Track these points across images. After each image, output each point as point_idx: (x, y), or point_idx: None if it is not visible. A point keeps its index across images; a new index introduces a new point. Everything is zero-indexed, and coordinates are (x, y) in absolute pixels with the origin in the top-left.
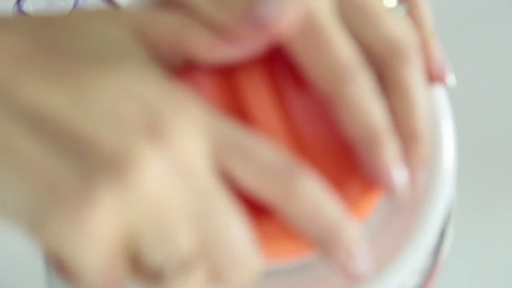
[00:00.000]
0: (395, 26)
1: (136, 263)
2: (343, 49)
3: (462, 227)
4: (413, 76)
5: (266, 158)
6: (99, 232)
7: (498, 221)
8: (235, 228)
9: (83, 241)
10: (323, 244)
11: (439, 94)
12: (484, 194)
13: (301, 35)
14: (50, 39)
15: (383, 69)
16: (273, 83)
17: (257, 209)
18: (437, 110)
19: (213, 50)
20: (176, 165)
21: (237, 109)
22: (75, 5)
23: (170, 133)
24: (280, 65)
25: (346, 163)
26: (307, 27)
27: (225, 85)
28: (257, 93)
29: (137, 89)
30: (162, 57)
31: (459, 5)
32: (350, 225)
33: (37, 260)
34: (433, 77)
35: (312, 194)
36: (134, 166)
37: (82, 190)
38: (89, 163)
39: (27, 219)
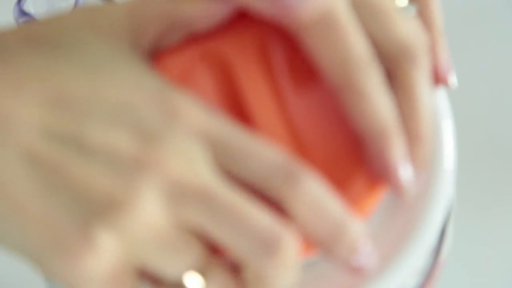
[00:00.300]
0: (406, 27)
1: (158, 280)
2: (358, 42)
3: (462, 227)
4: (421, 77)
5: (267, 159)
6: (104, 271)
7: (498, 220)
8: (257, 216)
9: (89, 281)
10: (327, 242)
11: (440, 94)
12: (484, 194)
13: (317, 24)
14: (39, 63)
15: (392, 69)
16: (273, 83)
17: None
18: (438, 110)
19: (208, 11)
20: (167, 186)
21: (237, 110)
22: (75, 5)
23: (165, 157)
24: (280, 64)
25: (347, 162)
26: (323, 17)
27: (225, 86)
28: (257, 93)
29: (129, 107)
30: (160, 37)
31: (459, 5)
32: (354, 222)
33: None
34: (437, 79)
35: (314, 194)
36: (127, 208)
37: (81, 236)
38: (86, 207)
39: (32, 257)
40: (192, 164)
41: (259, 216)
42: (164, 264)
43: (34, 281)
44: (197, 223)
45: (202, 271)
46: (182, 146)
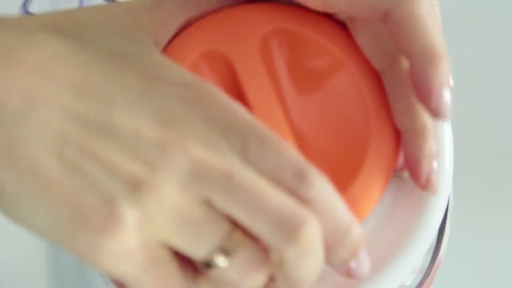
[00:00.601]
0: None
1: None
2: None
3: (460, 226)
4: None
5: (285, 155)
6: (131, 245)
7: (495, 219)
8: (279, 199)
9: (112, 257)
10: (331, 243)
11: None
12: (482, 194)
13: None
14: (66, 50)
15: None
16: (275, 84)
17: None
18: None
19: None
20: (191, 169)
21: None
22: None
23: (187, 139)
24: (282, 65)
25: (346, 164)
26: None
27: (226, 86)
28: (259, 93)
29: (153, 95)
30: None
31: (459, 4)
32: (357, 226)
33: (37, 260)
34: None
35: (325, 194)
36: (151, 187)
37: (108, 213)
38: (112, 186)
39: (56, 237)
40: (213, 147)
41: (282, 199)
42: (190, 243)
43: (34, 282)
44: (220, 203)
45: (230, 249)
46: (205, 131)
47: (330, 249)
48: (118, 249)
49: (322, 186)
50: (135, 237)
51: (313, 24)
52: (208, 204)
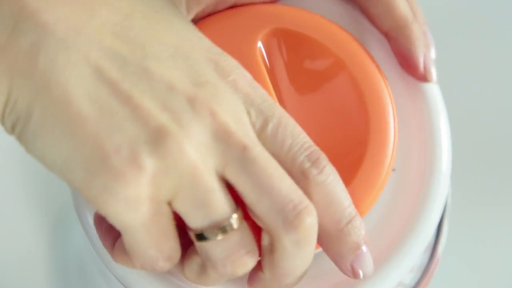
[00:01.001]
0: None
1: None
2: None
3: (458, 225)
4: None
5: (300, 137)
6: (143, 194)
7: (494, 219)
8: (287, 186)
9: (125, 203)
10: (334, 232)
11: (435, 93)
12: (480, 193)
13: None
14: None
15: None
16: (275, 86)
17: None
18: (433, 109)
19: None
20: (215, 131)
21: None
22: None
23: (217, 103)
24: (280, 65)
25: (344, 163)
26: None
27: None
28: None
29: (187, 55)
30: (208, 8)
31: (459, 4)
32: (360, 219)
33: (38, 260)
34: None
35: (334, 180)
36: (175, 138)
37: (129, 158)
38: (138, 131)
39: (73, 176)
40: (237, 117)
41: (291, 185)
42: (193, 209)
43: (34, 282)
44: (233, 173)
45: (226, 228)
46: (232, 101)
47: (334, 239)
48: (129, 196)
49: (332, 172)
50: (148, 187)
51: (312, 25)
52: (219, 177)
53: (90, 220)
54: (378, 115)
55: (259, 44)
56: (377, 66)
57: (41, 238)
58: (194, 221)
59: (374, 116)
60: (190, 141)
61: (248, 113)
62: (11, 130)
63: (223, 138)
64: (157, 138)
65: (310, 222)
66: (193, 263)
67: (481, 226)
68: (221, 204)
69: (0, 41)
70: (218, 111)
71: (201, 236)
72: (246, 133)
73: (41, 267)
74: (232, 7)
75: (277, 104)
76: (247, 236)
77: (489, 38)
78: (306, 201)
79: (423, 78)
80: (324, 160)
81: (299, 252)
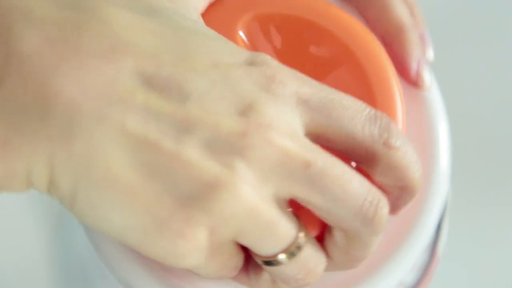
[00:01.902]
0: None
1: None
2: None
3: (458, 224)
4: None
5: (364, 111)
6: (204, 245)
7: (494, 219)
8: (358, 183)
9: (188, 257)
10: (400, 198)
11: (434, 95)
12: (480, 193)
13: None
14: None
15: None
16: None
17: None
18: (433, 108)
19: None
20: (273, 160)
21: None
22: None
23: (262, 131)
24: (271, 55)
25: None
26: None
27: None
28: None
29: (225, 70)
30: None
31: (459, 4)
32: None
33: (38, 262)
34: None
35: (403, 146)
36: (229, 188)
37: (182, 216)
38: (186, 188)
39: (135, 244)
40: (293, 132)
41: (360, 182)
42: (257, 243)
43: (34, 282)
44: (299, 193)
45: (294, 251)
46: (282, 114)
47: (399, 202)
48: (190, 250)
49: (400, 136)
50: (207, 239)
51: (304, 8)
52: (280, 202)
53: None
54: (387, 106)
55: (240, 33)
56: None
57: (42, 239)
58: (261, 251)
59: (382, 108)
60: (245, 183)
61: (304, 113)
62: (60, 203)
63: (283, 164)
64: (210, 193)
65: (386, 212)
66: (261, 280)
67: (481, 226)
68: (286, 230)
69: (32, 132)
70: (271, 137)
71: (269, 263)
72: (305, 147)
73: (41, 269)
74: None
75: (324, 86)
76: (315, 248)
77: (489, 38)
78: (378, 194)
79: (415, 84)
80: (390, 123)
81: (376, 239)
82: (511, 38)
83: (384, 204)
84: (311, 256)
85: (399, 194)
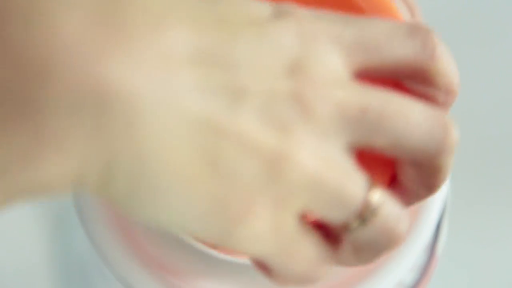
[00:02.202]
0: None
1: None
2: None
3: (458, 225)
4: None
5: (392, 32)
6: (269, 226)
7: (494, 219)
8: (419, 107)
9: (257, 239)
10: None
11: None
12: (480, 192)
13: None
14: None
15: None
16: None
17: None
18: None
19: None
20: (333, 115)
21: None
22: None
23: (319, 88)
24: None
25: None
26: None
27: None
28: None
29: (269, 41)
30: None
31: (459, 4)
32: None
33: (38, 263)
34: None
35: (445, 51)
36: (289, 160)
37: (245, 205)
38: (251, 171)
39: (194, 231)
40: (340, 80)
41: (423, 111)
42: (327, 209)
43: (34, 283)
44: (363, 141)
45: (371, 209)
46: (326, 64)
47: (446, 108)
48: (251, 235)
49: (442, 44)
50: (270, 220)
51: None
52: (345, 159)
53: (91, 221)
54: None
55: None
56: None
57: (42, 239)
58: (335, 219)
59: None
60: (306, 148)
61: (344, 56)
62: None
63: (341, 117)
64: (272, 167)
65: (454, 127)
66: (343, 252)
67: (480, 226)
68: (356, 190)
69: (88, 129)
70: (323, 91)
71: (347, 228)
72: (357, 92)
73: (41, 269)
74: None
75: (350, 19)
76: (391, 203)
77: (489, 38)
78: (440, 113)
79: None
80: (428, 31)
81: (451, 158)
82: (511, 38)
83: (449, 120)
84: (390, 214)
85: (445, 99)
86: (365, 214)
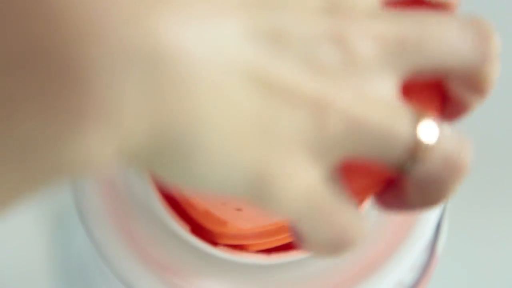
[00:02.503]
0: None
1: None
2: None
3: (458, 224)
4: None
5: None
6: (307, 185)
7: (494, 218)
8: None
9: (297, 197)
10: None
11: None
12: (480, 192)
13: None
14: None
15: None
16: None
17: None
18: None
19: None
20: (376, 52)
21: None
22: None
23: (358, 24)
24: None
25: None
26: None
27: None
28: None
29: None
30: None
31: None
32: None
33: (38, 262)
34: None
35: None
36: (329, 107)
37: (285, 156)
38: (294, 128)
39: (235, 193)
40: (379, 15)
41: (459, 24)
42: (378, 150)
43: (34, 283)
44: (407, 73)
45: (426, 141)
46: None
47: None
48: (291, 193)
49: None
50: (313, 177)
51: None
52: (390, 95)
53: (91, 221)
54: None
55: None
56: None
57: (42, 239)
58: (389, 162)
59: None
60: (348, 93)
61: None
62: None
63: (381, 52)
64: (316, 116)
65: (493, 32)
66: (410, 194)
67: (480, 225)
68: (405, 129)
69: (141, 94)
70: (362, 27)
71: (404, 169)
72: (390, 21)
73: (41, 269)
74: None
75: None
76: (449, 131)
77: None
78: (479, 22)
79: None
80: (485, 23)
81: (496, 63)
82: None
83: (486, 26)
84: (447, 143)
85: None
86: (418, 150)
